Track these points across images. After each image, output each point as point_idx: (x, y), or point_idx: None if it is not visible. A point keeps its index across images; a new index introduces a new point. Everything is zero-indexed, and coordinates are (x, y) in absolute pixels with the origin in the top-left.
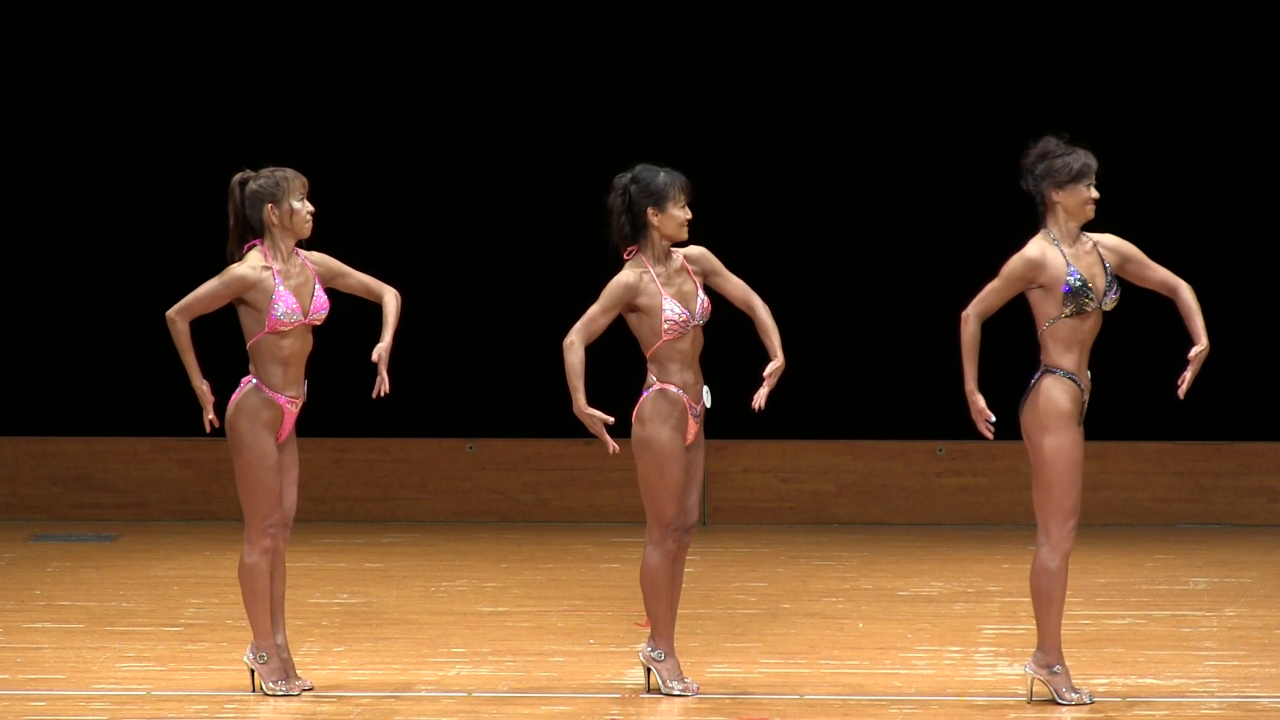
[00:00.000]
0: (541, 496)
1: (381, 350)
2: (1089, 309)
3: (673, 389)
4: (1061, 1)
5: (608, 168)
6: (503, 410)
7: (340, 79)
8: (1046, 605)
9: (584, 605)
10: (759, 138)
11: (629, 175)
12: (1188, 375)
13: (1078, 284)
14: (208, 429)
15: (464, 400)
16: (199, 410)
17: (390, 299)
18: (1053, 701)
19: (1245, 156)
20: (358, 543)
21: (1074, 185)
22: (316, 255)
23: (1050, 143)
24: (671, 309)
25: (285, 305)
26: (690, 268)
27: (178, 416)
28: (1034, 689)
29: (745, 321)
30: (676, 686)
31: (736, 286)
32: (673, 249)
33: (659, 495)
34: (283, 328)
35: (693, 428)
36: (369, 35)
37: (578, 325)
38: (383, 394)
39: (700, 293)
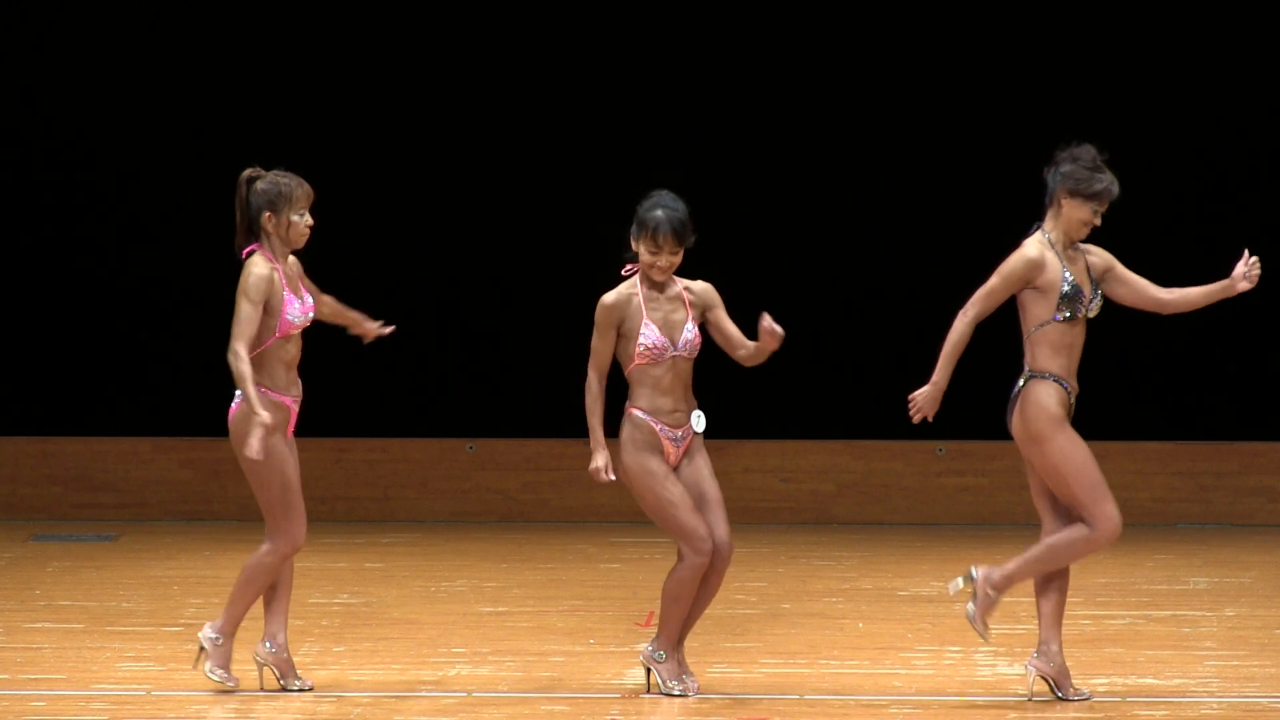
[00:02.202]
0: (541, 496)
1: (364, 324)
2: (1081, 314)
3: (638, 413)
4: (1060, 8)
5: (608, 169)
6: (503, 410)
7: (342, 80)
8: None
9: (584, 605)
10: (761, 139)
11: (649, 197)
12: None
13: (1069, 289)
14: (259, 455)
15: (464, 400)
16: (199, 410)
17: (332, 301)
18: (1054, 700)
19: (1246, 155)
20: (358, 543)
21: (1084, 201)
22: (295, 262)
23: (1088, 152)
24: (648, 334)
25: (294, 308)
26: (688, 298)
27: (178, 416)
28: (1034, 687)
29: (744, 323)
30: (676, 687)
31: (730, 331)
32: (672, 277)
33: (664, 515)
34: (294, 330)
35: (669, 450)
36: (372, 37)
37: (590, 362)
38: (386, 333)
39: (691, 325)
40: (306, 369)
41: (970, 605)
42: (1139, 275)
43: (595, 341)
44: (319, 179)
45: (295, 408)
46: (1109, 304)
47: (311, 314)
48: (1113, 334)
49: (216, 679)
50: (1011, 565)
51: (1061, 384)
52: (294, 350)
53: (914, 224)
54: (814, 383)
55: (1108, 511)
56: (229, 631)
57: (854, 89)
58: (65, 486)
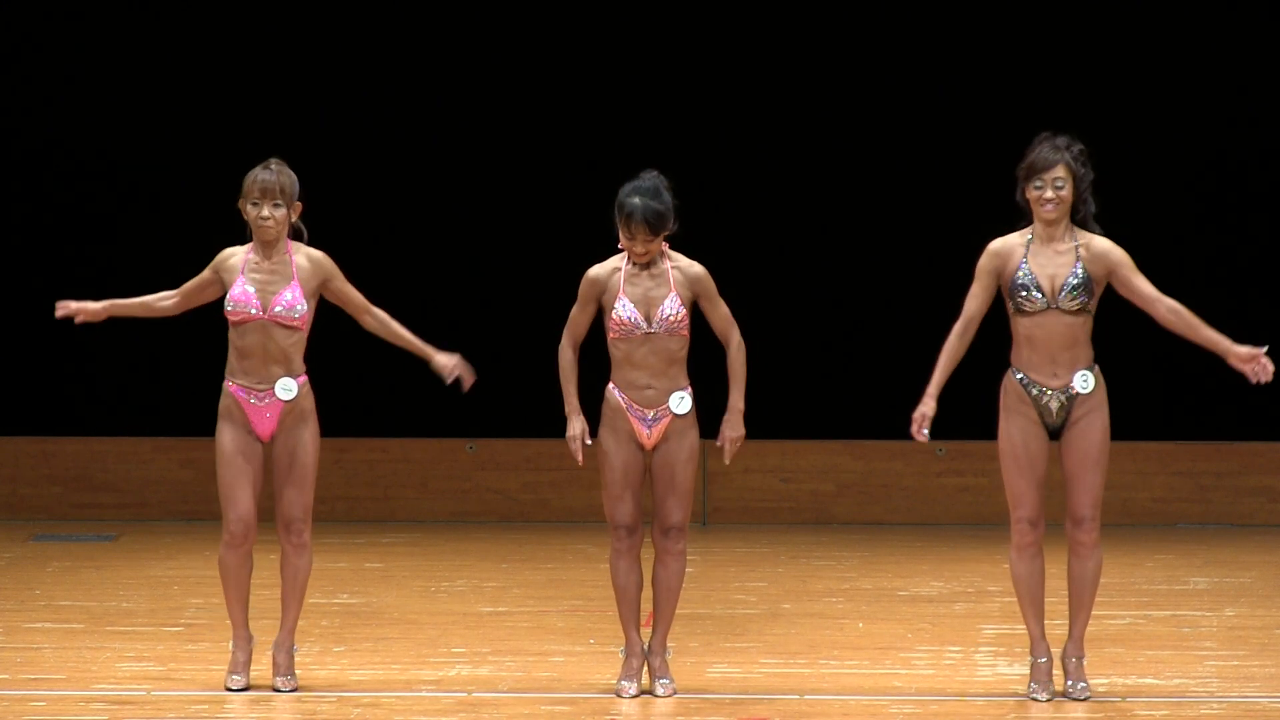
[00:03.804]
0: (541, 496)
1: (443, 362)
2: (1027, 308)
3: (610, 388)
4: (1054, 6)
5: (605, 169)
6: (503, 410)
7: (341, 83)
8: (1016, 596)
9: (584, 605)
10: (759, 139)
11: (633, 179)
12: (1266, 361)
13: (1016, 282)
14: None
15: (464, 400)
16: (199, 410)
17: (386, 321)
18: (1052, 700)
19: (1248, 155)
20: (358, 543)
21: (1025, 183)
22: (317, 254)
23: (1038, 139)
24: (621, 309)
25: (231, 294)
26: (675, 277)
27: (178, 416)
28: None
29: (742, 324)
30: (623, 686)
31: (721, 317)
32: (666, 254)
33: (604, 494)
34: (230, 317)
35: (639, 430)
36: (372, 39)
37: (565, 329)
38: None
39: (671, 304)
40: (306, 367)
41: (1079, 687)
42: (1148, 282)
43: (575, 311)
44: (320, 180)
45: (252, 401)
46: (1114, 304)
47: (287, 312)
48: (1112, 334)
49: (236, 687)
50: (1077, 629)
51: (1015, 373)
52: (248, 341)
53: (915, 224)
54: (814, 383)
55: (1016, 518)
56: (236, 636)
57: (855, 89)
58: (65, 486)
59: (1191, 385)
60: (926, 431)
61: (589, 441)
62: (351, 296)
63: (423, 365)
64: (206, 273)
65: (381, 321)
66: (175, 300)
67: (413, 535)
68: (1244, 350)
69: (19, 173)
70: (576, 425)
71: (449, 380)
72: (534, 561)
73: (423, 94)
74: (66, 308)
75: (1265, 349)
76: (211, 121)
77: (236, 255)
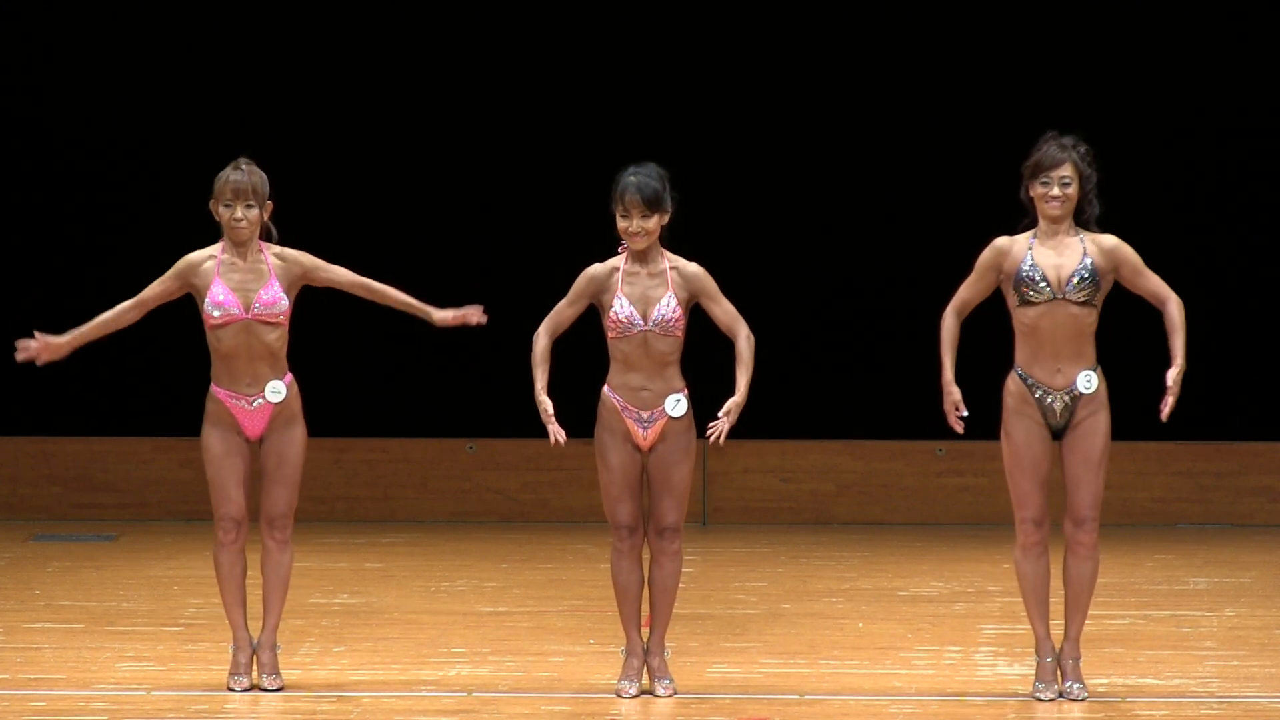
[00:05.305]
0: (541, 496)
1: (443, 316)
2: (1032, 299)
3: (605, 390)
4: (1048, 6)
5: (606, 168)
6: (503, 410)
7: (342, 83)
8: (1021, 595)
9: (584, 605)
10: (762, 140)
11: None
12: (1169, 400)
13: (1021, 275)
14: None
15: (464, 400)
16: (199, 410)
17: (381, 289)
18: (1054, 700)
19: (1245, 154)
20: (358, 543)
21: (1032, 180)
22: (289, 253)
23: (1044, 137)
24: (619, 307)
25: (212, 299)
26: (673, 278)
27: (178, 416)
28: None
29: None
30: (623, 686)
31: (725, 313)
32: (665, 255)
33: (602, 495)
34: (211, 322)
35: (635, 431)
36: (370, 39)
37: (546, 318)
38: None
39: (669, 304)
40: (305, 367)
41: (1076, 687)
42: (1158, 278)
43: (563, 304)
44: (320, 179)
45: (241, 405)
46: (1112, 304)
47: (271, 309)
48: (1112, 333)
49: (237, 689)
50: (1073, 630)
51: (1019, 373)
52: (231, 343)
53: (915, 224)
54: (814, 383)
55: (1016, 521)
56: (235, 639)
57: (855, 88)
58: (65, 486)
59: (1191, 385)
60: (965, 412)
61: (560, 435)
62: (339, 278)
63: (423, 365)
64: (169, 282)
65: (376, 291)
66: (135, 312)
67: (413, 535)
68: (1169, 379)
69: (16, 173)
70: (549, 405)
71: (454, 325)
72: (534, 561)
73: (426, 94)
74: (27, 349)
75: (1167, 397)
76: (203, 119)
77: (207, 261)
